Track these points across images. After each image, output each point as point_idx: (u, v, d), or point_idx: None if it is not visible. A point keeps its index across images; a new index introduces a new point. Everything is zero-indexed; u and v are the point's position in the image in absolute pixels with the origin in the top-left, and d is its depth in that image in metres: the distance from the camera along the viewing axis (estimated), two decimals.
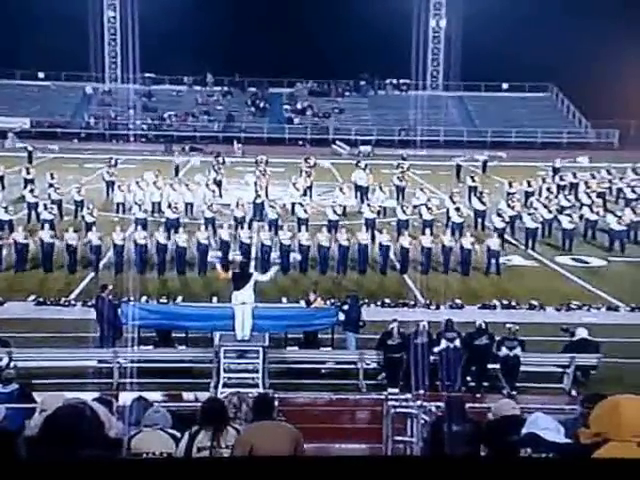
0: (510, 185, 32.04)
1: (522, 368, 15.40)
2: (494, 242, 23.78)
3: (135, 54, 53.65)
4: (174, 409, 8.42)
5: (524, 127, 57.27)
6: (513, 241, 27.19)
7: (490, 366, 15.57)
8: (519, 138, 56.38)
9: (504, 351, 15.31)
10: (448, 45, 62.36)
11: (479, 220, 28.63)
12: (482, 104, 61.66)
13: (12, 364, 14.58)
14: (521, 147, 53.95)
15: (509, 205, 28.18)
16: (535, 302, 20.50)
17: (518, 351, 15.31)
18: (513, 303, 20.48)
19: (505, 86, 63.00)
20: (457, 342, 15.42)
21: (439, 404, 10.16)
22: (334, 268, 23.25)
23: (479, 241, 24.21)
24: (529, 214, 27.07)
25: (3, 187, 33.27)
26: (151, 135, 56.59)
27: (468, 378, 15.61)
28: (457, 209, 27.18)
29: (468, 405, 9.38)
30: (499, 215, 26.53)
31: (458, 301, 20.45)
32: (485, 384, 15.48)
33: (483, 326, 15.73)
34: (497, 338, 15.65)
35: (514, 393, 14.73)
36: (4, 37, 49.77)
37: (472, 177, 34.03)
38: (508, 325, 16.05)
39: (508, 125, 57.44)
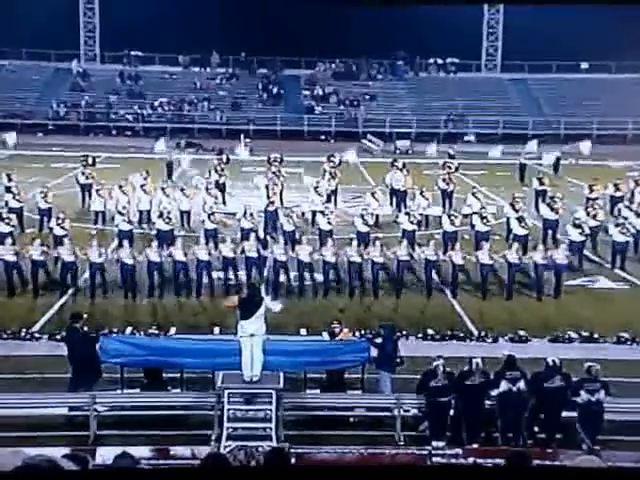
0: (591, 189, 31.81)
1: (607, 416, 15.23)
2: (560, 255, 23.67)
3: (118, 27, 54.26)
4: (166, 468, 8.41)
5: (609, 116, 56.93)
6: (595, 258, 27.06)
7: (565, 414, 15.42)
8: (602, 130, 56.08)
9: (583, 395, 15.16)
10: (508, 16, 62.39)
11: (549, 232, 28.43)
12: (553, 88, 61.49)
13: None
14: (606, 141, 53.65)
15: (589, 213, 27.99)
16: (625, 334, 20.40)
17: (601, 395, 15.15)
18: (595, 335, 20.36)
19: (584, 66, 62.67)
20: (521, 384, 15.28)
21: (498, 461, 10.07)
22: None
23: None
24: (617, 225, 26.86)
25: None
26: (138, 127, 57.10)
27: (536, 429, 15.48)
28: (520, 219, 27.02)
29: (536, 462, 9.31)
30: (577, 226, 26.34)
31: (522, 332, 20.32)
32: (558, 436, 15.34)
33: (556, 364, 15.56)
34: (574, 379, 15.48)
35: (597, 448, 14.58)
36: None
37: (540, 179, 33.84)
38: (588, 363, 15.87)
39: (588, 114, 57.13)
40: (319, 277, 23.80)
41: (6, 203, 29.08)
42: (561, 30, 51.61)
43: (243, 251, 23.63)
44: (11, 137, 50.31)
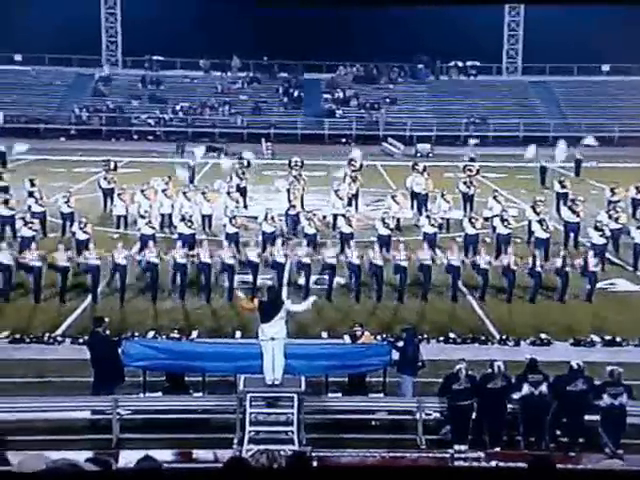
0: (613, 192, 31.67)
1: (630, 420, 15.13)
2: (591, 261, 23.54)
3: (139, 32, 54.48)
4: (188, 471, 8.42)
5: (630, 118, 56.62)
6: (617, 261, 26.92)
7: (587, 417, 15.35)
8: (624, 132, 55.77)
9: (606, 399, 15.07)
10: (529, 18, 62.20)
11: (571, 235, 28.29)
12: (574, 90, 61.27)
13: None
14: (627, 143, 53.34)
15: (611, 216, 27.83)
16: None
17: (624, 399, 15.06)
18: (618, 339, 20.23)
19: (605, 68, 62.42)
20: (543, 387, 15.24)
21: (520, 465, 10.01)
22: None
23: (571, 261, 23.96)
24: (639, 227, 26.71)
25: None
26: (159, 132, 57.30)
27: (558, 432, 15.39)
28: (541, 222, 26.92)
29: (559, 466, 9.24)
30: (598, 229, 26.20)
31: (544, 336, 20.24)
32: (581, 440, 15.24)
33: (580, 367, 15.48)
34: (597, 383, 15.42)
35: (619, 451, 14.51)
36: None
37: (561, 182, 33.69)
38: (611, 367, 15.78)
39: (609, 116, 56.87)
40: (341, 280, 23.82)
41: (29, 207, 29.09)
42: (582, 32, 51.50)
43: (272, 254, 23.58)
44: (21, 146, 48.86)
